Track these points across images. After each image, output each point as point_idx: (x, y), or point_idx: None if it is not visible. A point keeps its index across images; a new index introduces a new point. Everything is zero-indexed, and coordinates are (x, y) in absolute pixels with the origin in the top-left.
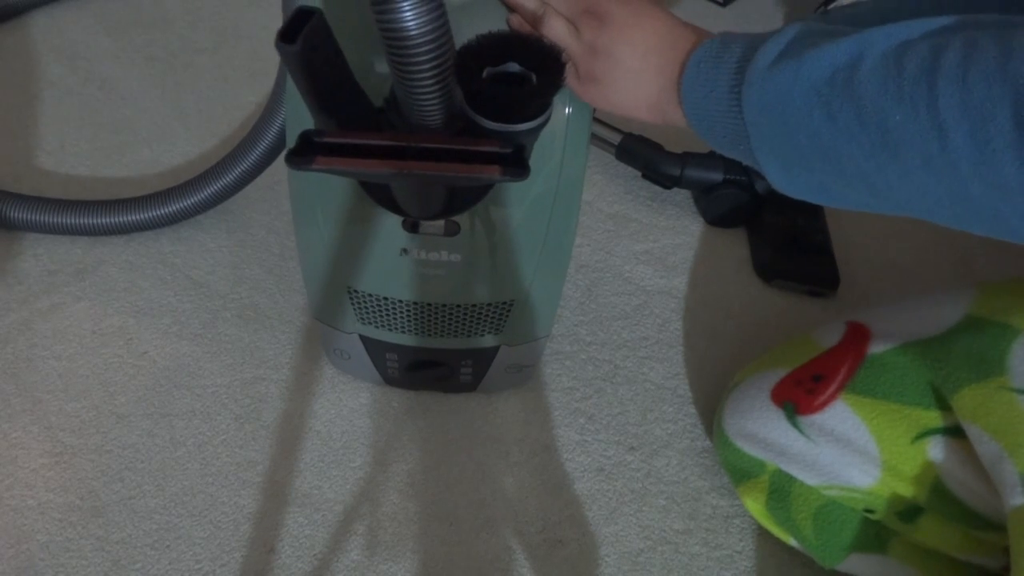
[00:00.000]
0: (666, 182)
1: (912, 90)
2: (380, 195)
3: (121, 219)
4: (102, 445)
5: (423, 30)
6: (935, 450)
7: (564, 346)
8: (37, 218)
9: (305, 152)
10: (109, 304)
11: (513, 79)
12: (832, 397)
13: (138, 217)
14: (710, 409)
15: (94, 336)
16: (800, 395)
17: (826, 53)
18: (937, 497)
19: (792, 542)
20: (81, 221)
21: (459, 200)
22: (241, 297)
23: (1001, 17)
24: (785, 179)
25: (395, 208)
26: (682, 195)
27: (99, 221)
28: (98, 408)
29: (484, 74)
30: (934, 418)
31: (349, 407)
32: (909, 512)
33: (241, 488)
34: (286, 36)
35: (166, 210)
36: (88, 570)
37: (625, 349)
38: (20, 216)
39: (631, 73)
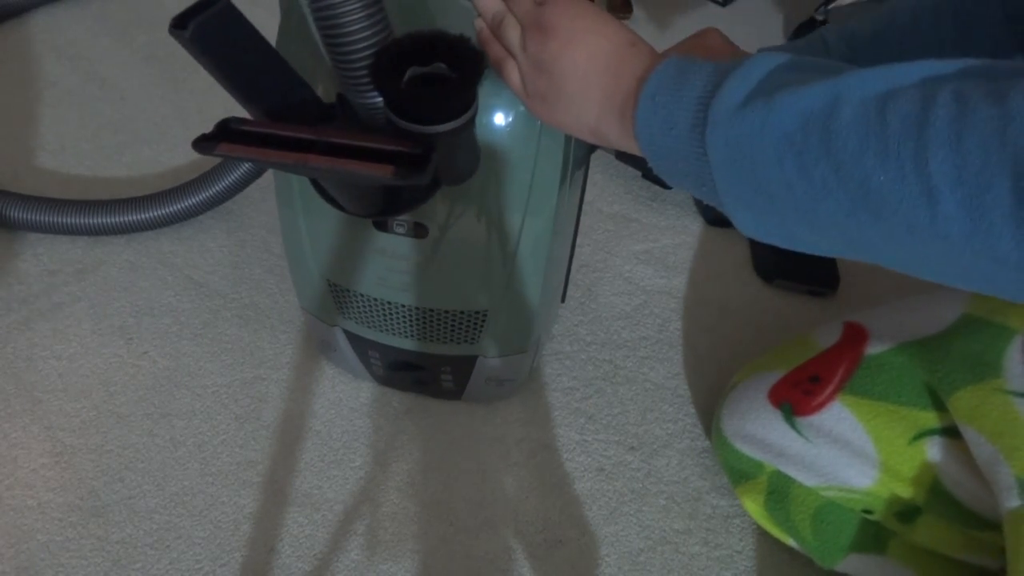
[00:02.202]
0: (666, 182)
1: (898, 148)
2: (325, 192)
3: (121, 219)
4: (102, 445)
5: (359, 26)
6: (933, 451)
7: (564, 346)
8: (37, 218)
9: (215, 137)
10: (109, 304)
11: (437, 80)
12: (829, 398)
13: (138, 217)
14: (710, 409)
15: (94, 336)
16: (797, 396)
17: (800, 97)
18: (935, 498)
19: (791, 542)
20: (81, 221)
21: (398, 200)
22: (241, 297)
23: (987, 64)
24: (753, 226)
25: (338, 205)
26: (682, 195)
27: (99, 221)
28: (98, 408)
29: (407, 74)
30: (931, 419)
31: (349, 407)
32: (907, 512)
33: (241, 488)
34: (179, 22)
35: (166, 210)
36: (88, 570)
37: (625, 349)
38: (20, 216)
39: (570, 95)
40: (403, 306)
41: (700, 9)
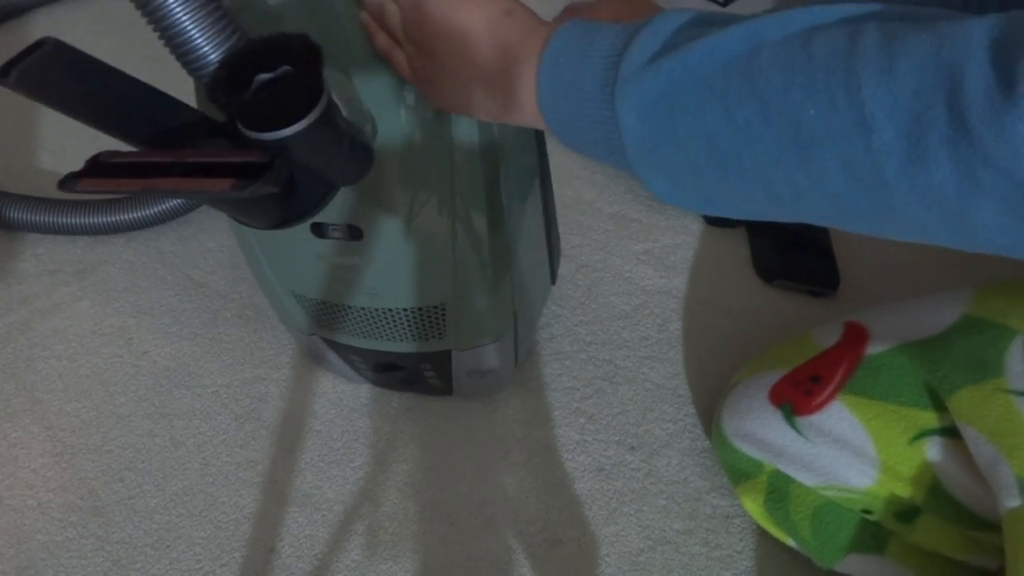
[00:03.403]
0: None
1: (827, 79)
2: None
3: (121, 218)
4: (102, 445)
5: (194, 33)
6: (933, 451)
7: (564, 346)
8: (37, 218)
9: (83, 174)
10: (109, 304)
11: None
12: (830, 398)
13: (138, 215)
14: (710, 409)
15: (94, 336)
16: (798, 396)
17: (717, 41)
18: (934, 498)
19: (791, 542)
20: (81, 221)
21: (296, 208)
22: (241, 297)
23: (911, 8)
24: (667, 189)
25: (241, 221)
26: None
27: (99, 221)
28: (98, 408)
29: (255, 83)
30: (931, 419)
31: (349, 407)
32: (907, 513)
33: (241, 488)
34: (4, 70)
35: (166, 207)
36: (88, 570)
37: (625, 349)
38: (20, 216)
39: (452, 75)
40: (363, 309)
41: (699, 8)
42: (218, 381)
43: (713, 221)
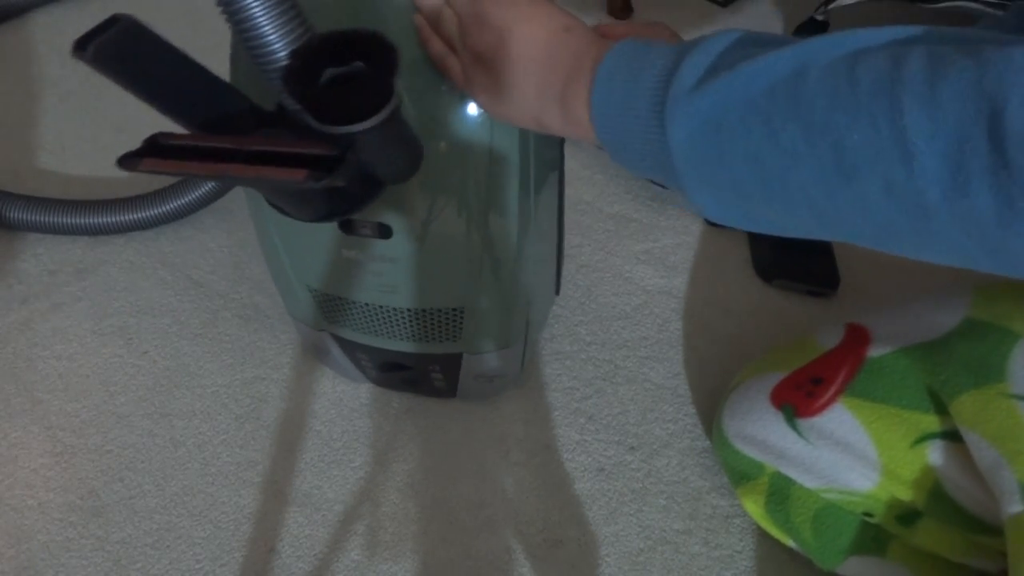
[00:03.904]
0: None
1: (871, 104)
2: (270, 200)
3: (121, 218)
4: (102, 445)
5: (268, 27)
6: (934, 454)
7: (564, 346)
8: (37, 218)
9: (143, 153)
10: (109, 304)
11: (353, 79)
12: (831, 400)
13: (138, 216)
14: (710, 409)
15: (94, 336)
16: (799, 398)
17: (764, 64)
18: (936, 501)
19: (791, 544)
20: (81, 221)
21: (343, 202)
22: (241, 297)
23: (953, 29)
24: (714, 207)
25: (285, 211)
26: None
27: (99, 221)
28: (98, 408)
29: (325, 76)
30: (933, 422)
31: (349, 407)
32: (908, 516)
33: (241, 488)
34: (81, 43)
35: (166, 208)
36: (88, 570)
37: (625, 349)
38: (20, 216)
39: (509, 87)
40: (381, 307)
41: (700, 9)
42: (218, 381)
43: (713, 221)
